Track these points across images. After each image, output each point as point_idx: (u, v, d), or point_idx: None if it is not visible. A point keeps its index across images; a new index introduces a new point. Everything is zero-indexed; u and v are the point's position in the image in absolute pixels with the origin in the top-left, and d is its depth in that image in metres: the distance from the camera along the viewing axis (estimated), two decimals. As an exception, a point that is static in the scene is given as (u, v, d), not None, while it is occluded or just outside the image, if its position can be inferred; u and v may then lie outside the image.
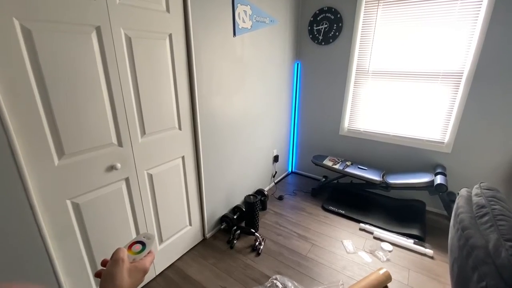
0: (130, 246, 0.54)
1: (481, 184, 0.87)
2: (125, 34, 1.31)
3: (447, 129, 2.36)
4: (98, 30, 1.20)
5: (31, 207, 1.11)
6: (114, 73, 1.30)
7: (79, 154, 1.24)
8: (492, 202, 0.75)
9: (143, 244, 0.54)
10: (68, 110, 1.16)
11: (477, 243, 0.65)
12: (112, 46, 1.27)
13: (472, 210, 0.77)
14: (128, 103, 1.39)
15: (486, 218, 0.70)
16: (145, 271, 0.50)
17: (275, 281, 1.72)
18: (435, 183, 2.10)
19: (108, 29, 1.24)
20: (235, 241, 2.12)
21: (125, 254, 0.49)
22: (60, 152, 1.18)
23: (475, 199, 0.81)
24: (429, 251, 1.98)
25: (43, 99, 1.09)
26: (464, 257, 0.67)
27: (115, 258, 0.48)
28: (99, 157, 1.32)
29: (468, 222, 0.73)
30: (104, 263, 0.50)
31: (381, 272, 1.71)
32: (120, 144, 1.40)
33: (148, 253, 0.54)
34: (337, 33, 2.63)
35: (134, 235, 1.60)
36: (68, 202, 1.25)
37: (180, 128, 1.74)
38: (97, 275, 0.49)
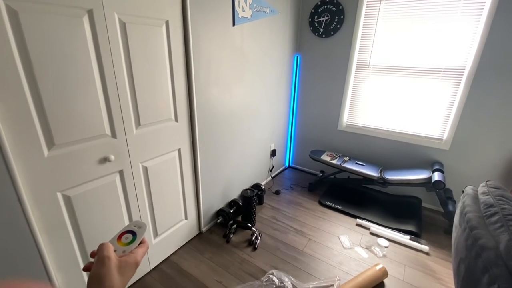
0: (119, 237, 0.49)
1: (487, 182, 0.84)
2: (119, 19, 1.24)
3: (446, 126, 2.35)
4: (90, 13, 1.14)
5: (20, 200, 1.06)
6: (108, 60, 1.24)
7: (70, 145, 1.19)
8: (501, 201, 0.73)
9: (133, 233, 0.50)
10: (58, 98, 1.10)
11: (487, 244, 0.63)
12: (105, 31, 1.20)
13: (479, 210, 0.75)
14: (122, 92, 1.33)
15: (495, 218, 0.68)
16: (136, 265, 0.46)
17: (271, 276, 1.70)
18: (433, 180, 2.10)
19: (101, 13, 1.17)
20: (231, 236, 2.10)
21: (110, 250, 0.44)
22: (50, 143, 1.12)
23: (482, 197, 0.78)
24: (424, 247, 1.98)
25: (31, 86, 1.02)
26: (472, 258, 0.65)
27: (100, 256, 0.42)
28: (91, 149, 1.27)
29: (477, 222, 0.70)
30: (93, 255, 0.45)
31: (378, 268, 1.70)
32: (113, 135, 1.35)
33: (140, 243, 0.49)
34: (338, 26, 2.57)
35: (128, 229, 1.56)
36: (59, 195, 1.19)
37: (176, 120, 1.69)
38: (86, 269, 0.44)
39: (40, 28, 1.00)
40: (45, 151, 1.11)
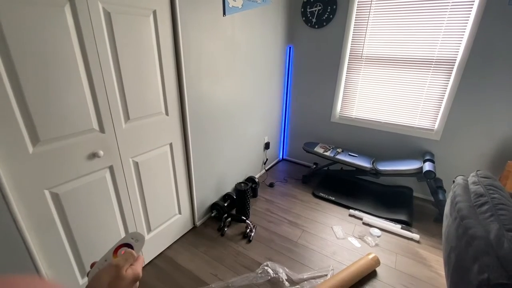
0: (116, 250, 0.46)
1: (477, 172, 0.85)
2: (103, 8, 1.19)
3: (437, 116, 2.37)
4: (72, 2, 1.08)
5: (4, 197, 1.02)
6: (93, 52, 1.19)
7: (57, 140, 1.15)
8: (491, 191, 0.73)
9: (130, 247, 0.47)
10: (41, 92, 1.05)
11: (477, 233, 0.64)
12: (89, 22, 1.14)
13: (470, 199, 0.75)
14: (109, 86, 1.29)
15: (485, 207, 0.69)
16: (137, 278, 0.43)
17: (266, 267, 1.72)
18: (424, 170, 2.13)
19: (83, 2, 1.11)
20: (226, 229, 2.10)
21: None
22: (35, 139, 1.08)
23: (472, 187, 0.79)
24: (415, 236, 2.03)
25: (12, 81, 0.98)
26: (463, 247, 0.66)
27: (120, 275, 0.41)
28: (79, 144, 1.23)
29: (467, 211, 0.71)
30: (92, 266, 0.44)
31: (370, 257, 1.74)
32: (102, 130, 1.31)
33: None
34: (331, 16, 2.54)
35: (120, 226, 1.54)
36: (47, 192, 1.16)
37: (167, 113, 1.65)
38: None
39: (19, 19, 0.95)
40: (30, 148, 1.07)
